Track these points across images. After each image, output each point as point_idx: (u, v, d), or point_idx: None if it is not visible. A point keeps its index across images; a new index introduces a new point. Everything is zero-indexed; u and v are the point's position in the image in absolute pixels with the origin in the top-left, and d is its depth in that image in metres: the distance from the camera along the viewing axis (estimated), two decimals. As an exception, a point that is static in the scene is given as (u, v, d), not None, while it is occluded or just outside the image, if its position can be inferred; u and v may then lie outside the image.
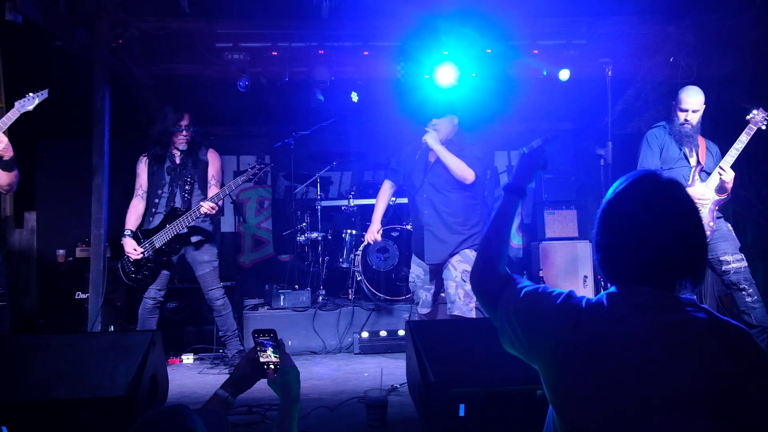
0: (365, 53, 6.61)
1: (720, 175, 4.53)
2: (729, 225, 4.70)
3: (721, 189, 4.60)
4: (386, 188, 5.11)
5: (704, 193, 4.57)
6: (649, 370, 1.42)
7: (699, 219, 1.58)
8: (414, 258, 4.87)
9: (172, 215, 4.82)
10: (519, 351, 1.67)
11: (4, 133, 4.19)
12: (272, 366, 2.09)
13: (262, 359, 2.10)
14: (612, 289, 1.60)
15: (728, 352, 1.42)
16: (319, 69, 6.61)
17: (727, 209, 5.02)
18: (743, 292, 4.43)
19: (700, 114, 4.70)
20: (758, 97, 5.16)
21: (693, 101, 4.66)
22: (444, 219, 4.65)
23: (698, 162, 4.70)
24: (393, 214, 6.32)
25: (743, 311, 4.48)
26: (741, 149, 4.55)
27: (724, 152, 4.66)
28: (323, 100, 6.98)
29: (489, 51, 6.64)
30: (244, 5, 6.17)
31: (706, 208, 4.58)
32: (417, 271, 4.81)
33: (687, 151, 4.71)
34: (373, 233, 5.00)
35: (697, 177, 4.65)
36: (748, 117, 4.63)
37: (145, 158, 5.00)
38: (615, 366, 1.45)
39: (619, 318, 1.51)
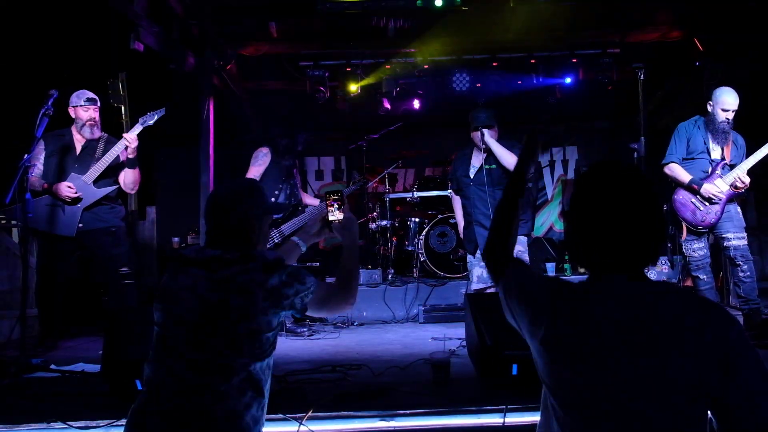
0: (425, 66, 6.57)
1: (735, 180, 4.33)
2: (738, 207, 4.49)
3: (736, 186, 4.37)
4: (457, 200, 5.04)
5: (719, 187, 4.33)
6: (630, 353, 1.31)
7: (656, 204, 1.41)
8: (467, 246, 4.86)
9: (295, 211, 4.87)
10: (516, 320, 1.58)
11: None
12: (338, 221, 2.20)
13: (330, 217, 2.21)
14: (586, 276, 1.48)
15: (712, 331, 1.29)
16: (386, 81, 6.60)
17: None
18: (738, 267, 4.41)
19: (735, 112, 4.40)
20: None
21: (734, 102, 4.35)
22: (491, 213, 4.64)
23: (722, 157, 4.42)
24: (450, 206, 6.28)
25: (735, 282, 4.52)
26: (763, 155, 4.31)
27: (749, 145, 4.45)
28: (390, 108, 6.97)
29: (533, 62, 6.52)
30: (322, 30, 6.21)
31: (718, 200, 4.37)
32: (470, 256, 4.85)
33: (712, 145, 4.44)
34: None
35: (718, 170, 4.38)
36: None
37: (268, 154, 4.87)
38: (594, 346, 1.34)
39: (596, 299, 1.39)
